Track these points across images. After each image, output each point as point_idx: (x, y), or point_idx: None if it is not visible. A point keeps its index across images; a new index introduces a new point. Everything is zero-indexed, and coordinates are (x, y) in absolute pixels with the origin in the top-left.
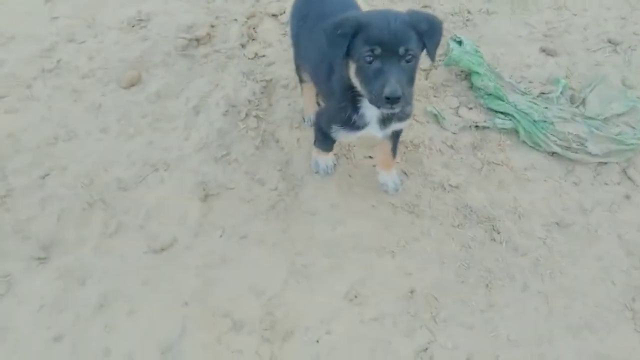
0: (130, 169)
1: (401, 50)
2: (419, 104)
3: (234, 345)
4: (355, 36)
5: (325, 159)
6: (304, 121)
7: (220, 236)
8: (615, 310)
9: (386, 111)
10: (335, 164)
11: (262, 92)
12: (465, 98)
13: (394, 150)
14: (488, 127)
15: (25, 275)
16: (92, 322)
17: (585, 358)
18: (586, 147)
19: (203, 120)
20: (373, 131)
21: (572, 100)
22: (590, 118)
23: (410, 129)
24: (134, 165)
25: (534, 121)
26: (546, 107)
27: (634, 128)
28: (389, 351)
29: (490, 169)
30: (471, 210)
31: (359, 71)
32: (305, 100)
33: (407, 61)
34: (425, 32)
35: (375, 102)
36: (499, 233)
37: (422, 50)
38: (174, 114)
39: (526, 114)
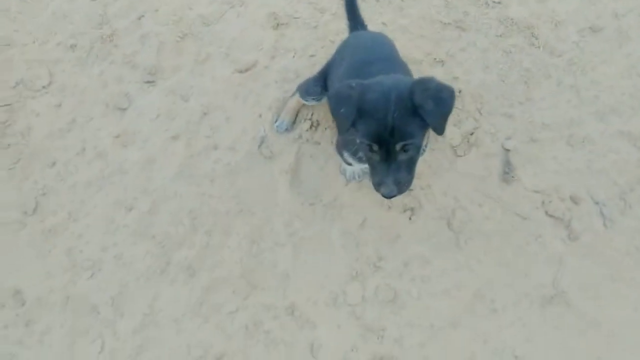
0: (211, 7)
1: (398, 146)
2: None
3: (311, 138)
4: (357, 116)
5: (353, 168)
6: (275, 121)
7: (293, 57)
8: (639, 97)
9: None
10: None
11: None
12: None
13: None
14: None
15: (140, 94)
16: (200, 126)
17: (609, 135)
18: None
19: None
20: None
21: None
22: None
23: None
24: (212, 3)
25: None
26: None
27: None
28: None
29: None
30: (512, 22)
31: (361, 149)
32: (288, 106)
33: (406, 151)
34: (431, 111)
35: (375, 188)
36: (537, 39)
37: (426, 131)
38: None
39: None
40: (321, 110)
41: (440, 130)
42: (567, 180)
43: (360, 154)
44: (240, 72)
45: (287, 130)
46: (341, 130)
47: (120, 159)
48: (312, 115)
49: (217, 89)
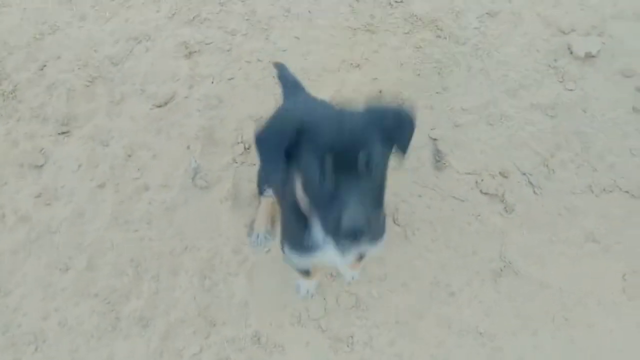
0: (117, 45)
1: (361, 157)
2: None
3: (245, 160)
4: (297, 141)
5: (308, 283)
6: (249, 236)
7: (212, 82)
8: (542, 71)
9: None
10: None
11: None
12: None
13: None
14: None
15: (56, 147)
16: (125, 169)
17: (522, 109)
18: None
19: None
20: (330, 257)
21: None
22: None
23: None
24: (118, 42)
25: None
26: None
27: None
28: None
29: None
30: (417, 18)
31: (307, 189)
32: (259, 213)
33: (370, 170)
34: (393, 128)
35: (332, 236)
36: (442, 30)
37: (390, 152)
38: None
39: None
40: (251, 130)
41: (405, 150)
42: (493, 157)
43: (300, 235)
44: (159, 106)
45: (267, 239)
46: (271, 171)
47: (46, 218)
48: (242, 137)
49: (137, 127)
